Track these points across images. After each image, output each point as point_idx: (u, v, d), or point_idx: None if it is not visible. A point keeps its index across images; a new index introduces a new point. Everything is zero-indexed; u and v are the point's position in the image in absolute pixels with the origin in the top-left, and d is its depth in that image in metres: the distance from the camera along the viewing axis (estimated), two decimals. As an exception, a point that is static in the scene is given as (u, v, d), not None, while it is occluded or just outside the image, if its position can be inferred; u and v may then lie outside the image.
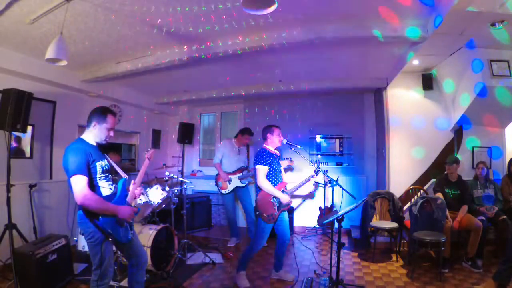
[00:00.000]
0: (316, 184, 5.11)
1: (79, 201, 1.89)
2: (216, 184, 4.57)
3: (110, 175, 2.16)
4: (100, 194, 2.03)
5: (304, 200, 5.42)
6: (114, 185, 2.17)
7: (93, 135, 2.13)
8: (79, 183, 1.90)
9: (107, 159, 2.18)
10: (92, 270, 2.04)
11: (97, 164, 2.04)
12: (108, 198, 2.06)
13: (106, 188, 2.09)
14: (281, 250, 3.21)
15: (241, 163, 4.59)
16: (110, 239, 2.00)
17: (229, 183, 4.47)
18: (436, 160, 4.55)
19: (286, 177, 3.30)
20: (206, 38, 3.23)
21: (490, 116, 4.14)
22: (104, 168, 2.10)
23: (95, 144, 2.14)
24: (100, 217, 1.96)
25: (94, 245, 2.00)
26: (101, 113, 2.14)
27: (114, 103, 5.06)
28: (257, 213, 3.02)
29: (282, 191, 3.07)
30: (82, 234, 2.01)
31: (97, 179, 2.04)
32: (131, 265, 2.27)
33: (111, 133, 2.18)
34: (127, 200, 2.17)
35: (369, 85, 4.86)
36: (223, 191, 4.50)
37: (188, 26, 2.91)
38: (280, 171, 3.18)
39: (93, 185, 2.01)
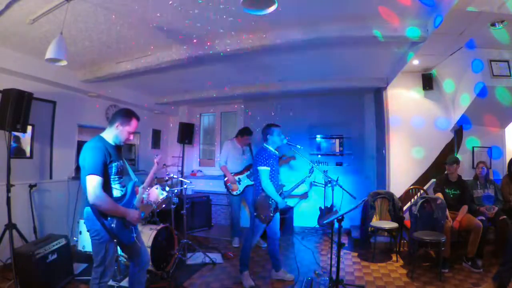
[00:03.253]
0: (311, 184, 5.10)
1: (91, 201, 1.90)
2: (226, 186, 4.54)
3: (122, 177, 2.16)
4: (112, 195, 2.04)
5: (299, 200, 5.41)
6: (125, 186, 2.17)
7: (113, 135, 2.12)
8: (93, 183, 1.90)
9: (122, 160, 2.18)
10: (92, 267, 2.04)
11: (113, 165, 2.04)
12: (118, 199, 2.06)
13: (117, 189, 2.09)
14: (274, 248, 3.23)
15: (247, 162, 4.57)
16: (115, 240, 2.00)
17: (239, 184, 4.46)
18: (436, 160, 4.55)
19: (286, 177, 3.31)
20: (206, 38, 3.23)
21: (490, 116, 4.14)
22: (119, 170, 2.09)
23: (113, 144, 2.13)
24: (108, 218, 1.97)
25: (99, 243, 2.00)
26: (126, 115, 2.15)
27: (114, 103, 5.05)
28: (255, 213, 3.05)
29: (280, 193, 3.10)
30: (88, 231, 2.01)
31: (111, 179, 2.05)
32: (133, 265, 2.28)
33: (131, 137, 2.19)
34: (135, 203, 2.17)
35: (369, 85, 4.85)
36: (234, 193, 4.48)
37: (188, 26, 2.91)
38: (279, 172, 3.19)
39: (108, 186, 2.01)
